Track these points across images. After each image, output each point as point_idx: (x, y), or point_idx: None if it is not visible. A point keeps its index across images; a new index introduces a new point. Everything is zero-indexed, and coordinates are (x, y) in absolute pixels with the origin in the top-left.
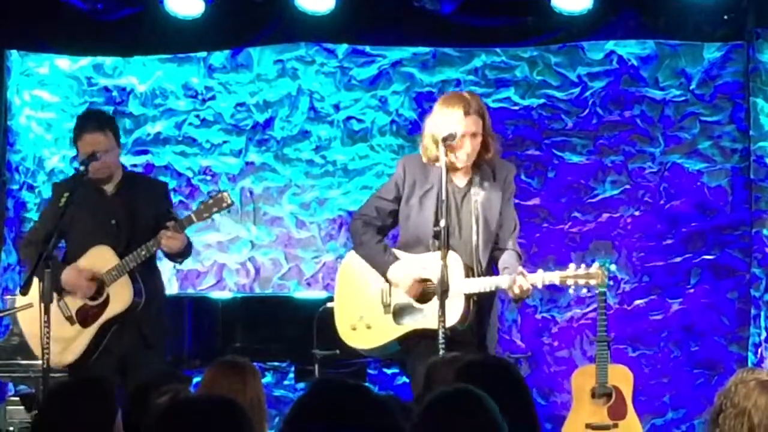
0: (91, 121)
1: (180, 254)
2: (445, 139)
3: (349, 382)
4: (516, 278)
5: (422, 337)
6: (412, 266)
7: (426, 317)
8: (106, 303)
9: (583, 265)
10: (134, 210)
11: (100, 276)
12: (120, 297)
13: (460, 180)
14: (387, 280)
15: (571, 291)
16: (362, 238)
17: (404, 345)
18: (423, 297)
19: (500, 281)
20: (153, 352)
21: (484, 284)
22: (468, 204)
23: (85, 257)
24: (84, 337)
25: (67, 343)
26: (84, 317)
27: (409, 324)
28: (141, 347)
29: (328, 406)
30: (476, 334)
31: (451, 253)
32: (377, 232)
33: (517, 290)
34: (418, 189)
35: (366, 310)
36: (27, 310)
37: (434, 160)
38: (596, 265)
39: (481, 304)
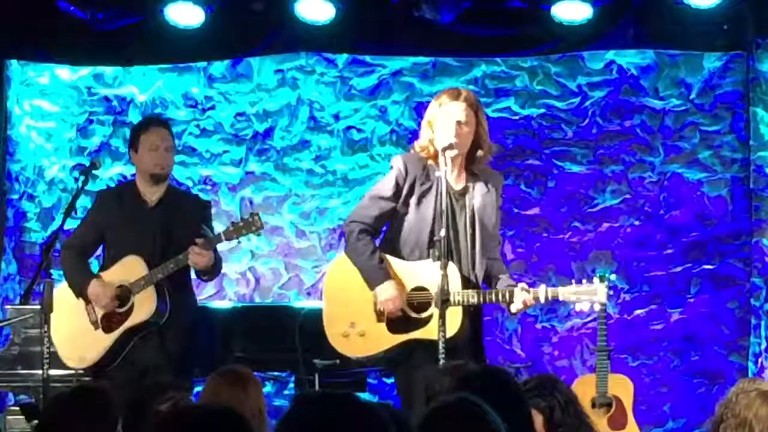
0: (159, 119)
1: (207, 272)
2: (444, 149)
3: (332, 393)
4: (520, 294)
5: (415, 347)
6: (405, 279)
7: (423, 327)
8: (130, 311)
9: (584, 281)
10: (172, 225)
11: (128, 285)
12: (144, 306)
13: (456, 183)
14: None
15: (572, 307)
16: (356, 244)
17: (394, 354)
18: (419, 306)
19: (502, 295)
20: (176, 365)
21: (488, 297)
22: (464, 209)
23: (116, 266)
24: (106, 341)
25: (89, 346)
26: (108, 323)
27: (405, 334)
28: (164, 360)
29: (311, 422)
30: (471, 342)
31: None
32: (372, 239)
33: (521, 305)
34: (417, 187)
35: (358, 317)
36: (55, 308)
37: (428, 156)
38: (597, 280)
39: (473, 313)
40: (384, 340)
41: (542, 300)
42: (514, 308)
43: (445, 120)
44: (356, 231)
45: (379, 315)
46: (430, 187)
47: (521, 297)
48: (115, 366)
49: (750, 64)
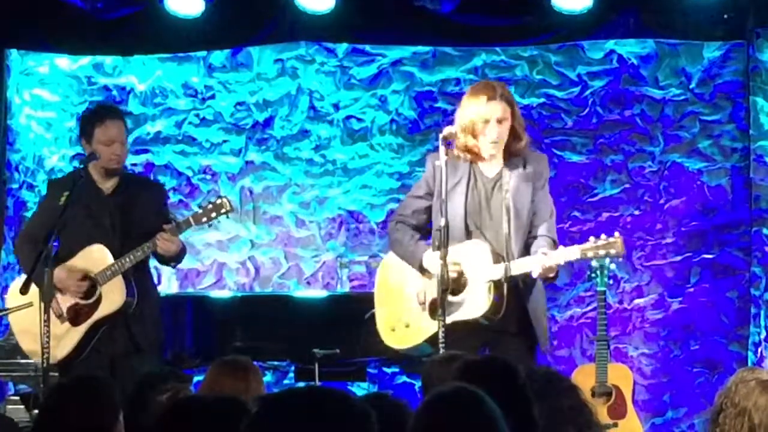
0: (112, 110)
1: (173, 258)
2: (444, 138)
3: (299, 390)
4: (538, 258)
5: (454, 330)
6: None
7: (461, 309)
8: (98, 302)
9: (603, 235)
10: (130, 211)
11: (93, 275)
12: (112, 297)
13: (490, 170)
14: (422, 272)
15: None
16: (395, 236)
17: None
18: (456, 289)
19: (522, 264)
20: (144, 354)
21: (506, 269)
22: (499, 194)
23: (78, 256)
24: (74, 335)
25: (57, 340)
26: (75, 315)
27: (446, 318)
28: (132, 349)
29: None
30: (517, 322)
31: (478, 241)
32: (412, 229)
33: (540, 270)
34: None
35: (403, 312)
36: (15, 304)
37: (464, 150)
38: (616, 234)
39: (518, 292)
40: (427, 327)
41: (561, 262)
42: (535, 274)
43: (484, 118)
44: (393, 225)
45: (421, 304)
46: (459, 181)
47: (539, 261)
48: (82, 358)
49: (750, 54)
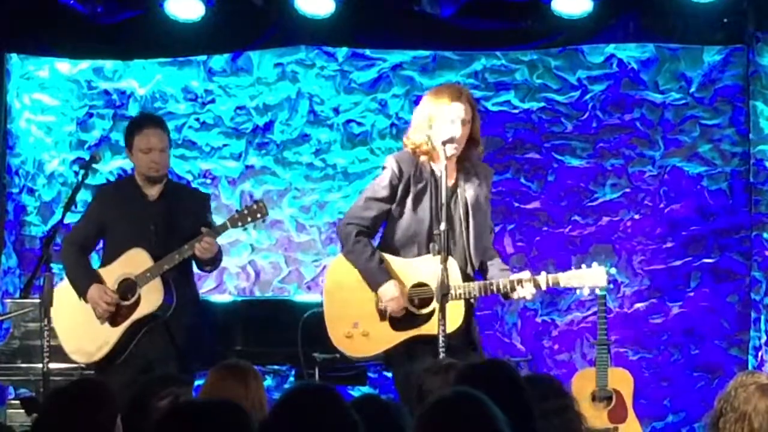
0: (153, 119)
1: (210, 261)
2: (445, 143)
3: (323, 387)
4: (524, 284)
5: (418, 343)
6: (405, 276)
7: (426, 323)
8: (137, 304)
9: (583, 266)
10: (174, 217)
11: (133, 278)
12: (151, 298)
13: (449, 180)
14: (374, 291)
15: (577, 293)
16: (355, 246)
17: (396, 351)
18: (420, 302)
19: (505, 286)
20: (184, 361)
21: (489, 289)
22: (457, 203)
23: (120, 260)
24: (112, 335)
25: (96, 340)
26: (114, 316)
27: (408, 331)
28: (172, 354)
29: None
30: (467, 337)
31: (449, 257)
32: (369, 240)
33: (529, 296)
34: (412, 187)
35: (360, 317)
36: (59, 303)
37: (421, 153)
38: (595, 264)
39: (469, 306)
40: (388, 338)
41: (543, 287)
42: (516, 295)
43: (448, 118)
44: (353, 233)
45: (382, 314)
46: (426, 186)
47: (529, 290)
48: (121, 360)
49: (750, 58)
